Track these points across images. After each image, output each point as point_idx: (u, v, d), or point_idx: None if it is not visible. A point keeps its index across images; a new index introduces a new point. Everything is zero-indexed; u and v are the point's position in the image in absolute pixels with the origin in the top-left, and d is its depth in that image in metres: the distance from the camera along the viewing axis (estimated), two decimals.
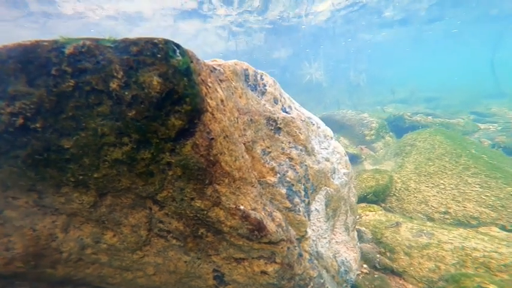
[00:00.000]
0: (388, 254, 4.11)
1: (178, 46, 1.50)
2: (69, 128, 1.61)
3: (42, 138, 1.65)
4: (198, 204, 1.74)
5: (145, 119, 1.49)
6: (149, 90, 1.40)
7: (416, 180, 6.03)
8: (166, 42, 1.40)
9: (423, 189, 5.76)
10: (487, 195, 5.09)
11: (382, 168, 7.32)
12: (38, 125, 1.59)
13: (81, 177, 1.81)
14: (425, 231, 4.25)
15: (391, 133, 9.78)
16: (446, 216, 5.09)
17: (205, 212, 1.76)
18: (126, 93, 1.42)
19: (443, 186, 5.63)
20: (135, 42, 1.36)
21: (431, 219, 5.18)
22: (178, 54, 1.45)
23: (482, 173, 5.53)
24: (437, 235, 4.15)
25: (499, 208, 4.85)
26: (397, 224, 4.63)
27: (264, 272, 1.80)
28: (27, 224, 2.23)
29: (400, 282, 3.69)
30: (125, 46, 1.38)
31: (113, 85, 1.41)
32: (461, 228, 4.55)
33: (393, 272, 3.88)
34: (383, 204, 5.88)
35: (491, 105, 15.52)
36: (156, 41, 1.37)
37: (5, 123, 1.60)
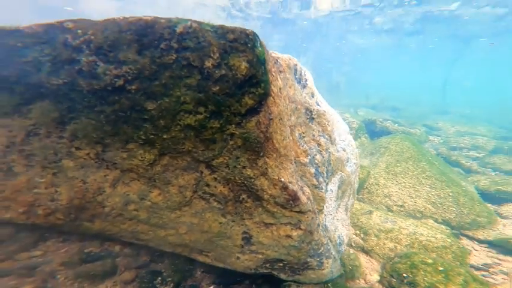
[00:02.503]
0: (362, 235, 4.92)
1: (259, 37, 1.90)
2: (157, 93, 1.94)
3: (131, 99, 1.96)
4: (248, 173, 2.12)
5: (225, 94, 1.86)
6: (236, 72, 1.78)
7: (385, 177, 7.01)
8: (255, 34, 1.80)
9: (389, 186, 6.76)
10: (432, 194, 6.22)
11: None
12: (133, 87, 1.91)
13: (151, 136, 2.13)
14: (389, 219, 5.03)
15: (366, 134, 10.76)
16: (401, 209, 6.16)
17: (252, 180, 2.13)
18: (217, 71, 1.79)
19: (403, 184, 6.69)
20: (232, 30, 1.75)
21: (390, 211, 6.18)
22: (259, 45, 1.85)
23: (433, 176, 6.64)
24: (399, 222, 5.06)
25: (438, 205, 5.95)
26: (370, 212, 5.49)
27: (288, 236, 2.18)
28: (79, 176, 2.46)
29: (367, 258, 4.55)
30: (223, 32, 1.76)
31: (208, 63, 1.78)
32: (411, 218, 5.54)
33: (363, 250, 4.71)
34: (357, 195, 6.67)
35: (438, 120, 17.75)
36: (248, 31, 1.76)
37: (105, 82, 1.90)
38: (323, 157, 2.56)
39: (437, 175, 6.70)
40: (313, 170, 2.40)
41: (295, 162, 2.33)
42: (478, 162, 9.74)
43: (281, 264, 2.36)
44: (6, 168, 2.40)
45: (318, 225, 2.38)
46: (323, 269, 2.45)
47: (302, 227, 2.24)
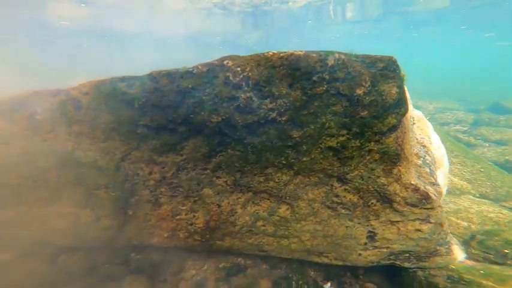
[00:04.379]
0: None
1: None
2: (304, 121, 2.16)
3: (279, 129, 2.20)
4: (382, 181, 2.33)
5: (371, 117, 2.07)
6: (386, 97, 1.97)
7: None
8: (396, 60, 1.99)
9: None
10: (465, 172, 6.39)
11: None
12: (284, 118, 2.14)
13: (292, 160, 2.37)
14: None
15: None
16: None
17: (386, 187, 2.35)
18: (367, 98, 1.99)
19: None
20: (379, 59, 1.93)
21: None
22: (400, 69, 2.04)
23: (461, 155, 6.71)
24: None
25: (473, 181, 6.15)
26: None
27: (418, 230, 2.43)
28: (215, 201, 2.75)
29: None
30: (371, 62, 1.95)
31: (359, 91, 1.98)
32: (450, 196, 5.55)
33: None
34: None
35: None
36: (393, 59, 1.95)
37: (259, 116, 2.14)
38: (430, 157, 2.76)
39: (463, 153, 6.82)
40: (427, 170, 2.61)
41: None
42: (468, 135, 9.73)
43: (407, 255, 2.61)
44: (154, 200, 2.72)
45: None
46: (451, 255, 2.71)
47: (432, 220, 2.46)
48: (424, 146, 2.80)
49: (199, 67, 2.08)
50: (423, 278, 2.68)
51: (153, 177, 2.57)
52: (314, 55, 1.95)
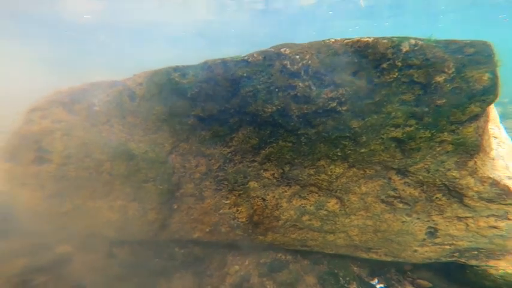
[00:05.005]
0: None
1: None
2: (366, 111, 1.98)
3: (337, 119, 2.05)
4: (453, 174, 2.12)
5: (450, 106, 1.85)
6: (474, 84, 1.74)
7: None
8: (491, 44, 1.74)
9: None
10: None
11: None
12: (344, 108, 1.98)
13: (348, 151, 2.21)
14: None
15: None
16: None
17: (457, 180, 2.14)
18: (448, 85, 1.77)
19: None
20: (470, 44, 1.70)
21: None
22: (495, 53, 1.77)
23: None
24: None
25: None
26: None
27: (493, 227, 2.23)
28: (260, 195, 2.67)
29: None
30: (458, 47, 1.70)
31: (439, 78, 1.75)
32: None
33: None
34: None
35: None
36: (488, 43, 1.70)
37: (317, 106, 2.00)
38: (503, 149, 2.49)
39: None
40: (502, 163, 2.36)
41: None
42: None
43: (475, 252, 2.44)
44: (198, 193, 2.71)
45: None
46: None
47: (509, 217, 2.25)
48: (496, 137, 2.51)
49: (255, 55, 1.96)
50: (498, 277, 2.47)
51: (199, 170, 2.54)
52: (385, 41, 1.75)
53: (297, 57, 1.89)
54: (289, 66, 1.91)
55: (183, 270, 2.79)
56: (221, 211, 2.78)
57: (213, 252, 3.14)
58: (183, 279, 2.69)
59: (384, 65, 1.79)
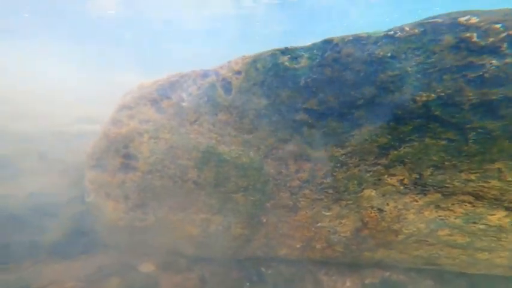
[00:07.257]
0: None
1: None
2: None
3: None
4: None
5: None
6: None
7: None
8: None
9: None
10: None
11: None
12: None
13: None
14: None
15: None
16: None
17: None
18: None
19: None
20: None
21: None
22: None
23: None
24: None
25: None
26: None
27: None
28: (376, 205, 2.08)
29: None
30: None
31: None
32: None
33: None
34: None
35: None
36: None
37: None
38: None
39: None
40: None
41: None
42: None
43: None
44: (292, 204, 2.22)
45: None
46: None
47: None
48: None
49: (407, 29, 1.36)
50: None
51: (300, 177, 2.04)
52: None
53: (496, 26, 1.25)
54: (475, 39, 1.28)
55: None
56: (319, 224, 2.26)
57: (301, 272, 2.65)
58: None
59: None
